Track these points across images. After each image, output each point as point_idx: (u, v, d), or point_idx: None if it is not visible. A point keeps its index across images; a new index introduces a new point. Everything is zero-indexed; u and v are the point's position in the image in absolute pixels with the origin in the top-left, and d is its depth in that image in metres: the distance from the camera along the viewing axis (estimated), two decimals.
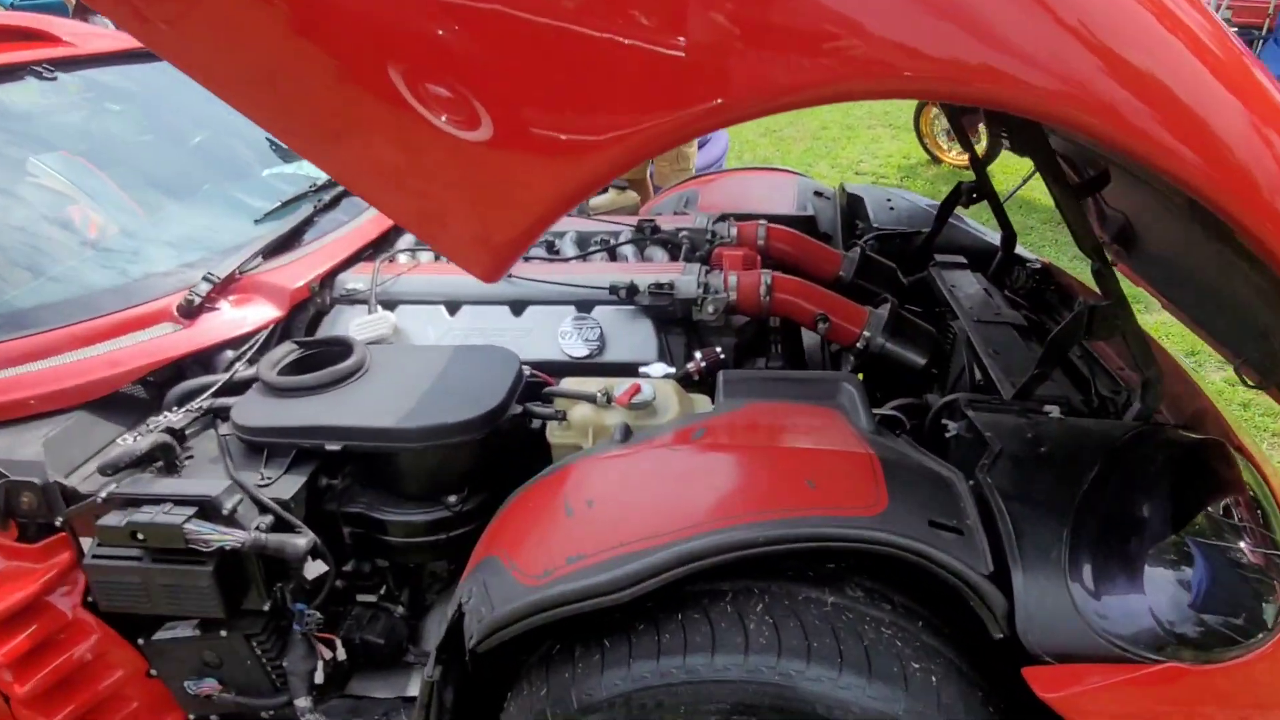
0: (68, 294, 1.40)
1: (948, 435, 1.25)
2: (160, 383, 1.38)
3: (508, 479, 1.22)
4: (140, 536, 1.09)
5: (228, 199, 1.80)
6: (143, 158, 1.84)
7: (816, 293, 1.60)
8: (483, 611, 1.01)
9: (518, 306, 1.60)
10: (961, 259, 1.95)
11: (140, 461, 1.18)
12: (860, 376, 1.52)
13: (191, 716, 1.30)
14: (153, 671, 1.25)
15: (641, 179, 3.77)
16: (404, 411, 1.24)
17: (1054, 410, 1.27)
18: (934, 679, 0.96)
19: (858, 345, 1.54)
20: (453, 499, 1.27)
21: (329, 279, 1.64)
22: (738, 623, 0.97)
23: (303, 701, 1.20)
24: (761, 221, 1.92)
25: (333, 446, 1.23)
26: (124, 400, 1.34)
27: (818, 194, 2.39)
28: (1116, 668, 0.91)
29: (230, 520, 1.11)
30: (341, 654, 1.25)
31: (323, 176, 1.94)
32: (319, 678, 1.22)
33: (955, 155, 5.70)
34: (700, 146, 4.43)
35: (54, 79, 1.80)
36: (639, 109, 0.79)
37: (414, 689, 1.33)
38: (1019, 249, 1.98)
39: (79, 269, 1.47)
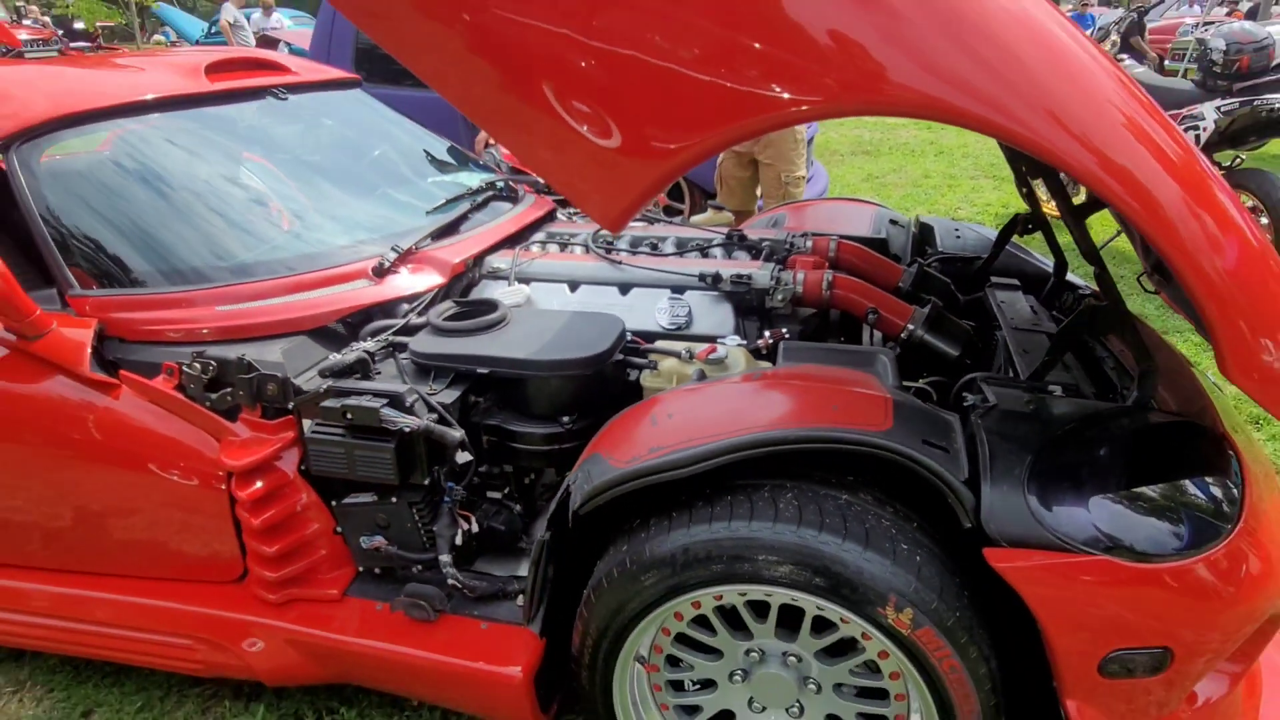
0: (298, 253, 1.89)
1: (965, 404, 1.55)
2: (355, 322, 1.85)
3: (605, 411, 1.60)
4: (349, 416, 1.53)
5: (405, 196, 2.29)
6: (343, 161, 2.36)
7: (870, 290, 1.93)
8: (584, 486, 1.39)
9: (624, 288, 2.00)
10: (1015, 282, 2.22)
11: (347, 370, 1.63)
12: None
13: (360, 567, 1.73)
14: (338, 529, 1.69)
15: (750, 210, 4.12)
16: (535, 350, 1.65)
17: (1057, 389, 1.55)
18: (917, 558, 1.27)
19: (901, 336, 1.86)
20: (566, 419, 1.66)
21: (479, 259, 2.09)
22: (771, 503, 1.31)
23: (445, 557, 1.61)
24: (834, 236, 2.26)
25: (482, 370, 1.65)
26: (330, 332, 1.80)
27: (893, 222, 2.70)
28: (1056, 554, 1.20)
29: (409, 411, 1.54)
30: (475, 527, 1.65)
31: (473, 184, 2.42)
32: (458, 540, 1.62)
33: (1049, 205, 5.82)
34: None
35: (285, 100, 2.36)
36: (705, 126, 1.17)
37: (524, 570, 1.71)
38: (1071, 277, 2.23)
39: (305, 237, 1.97)
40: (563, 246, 2.24)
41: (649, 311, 1.92)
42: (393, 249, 1.93)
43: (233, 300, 1.75)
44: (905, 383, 1.70)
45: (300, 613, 1.69)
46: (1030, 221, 2.24)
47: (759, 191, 4.12)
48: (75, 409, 1.67)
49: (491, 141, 3.30)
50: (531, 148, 1.22)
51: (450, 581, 1.62)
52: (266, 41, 10.54)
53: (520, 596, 1.64)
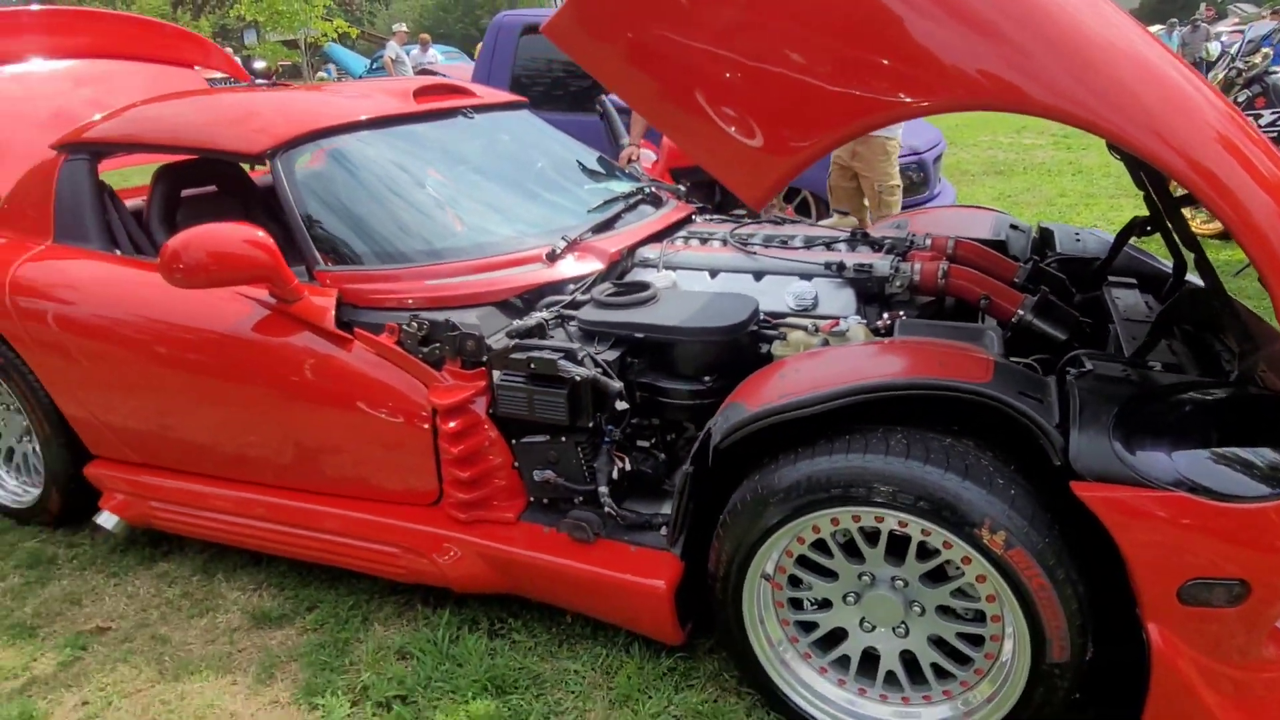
0: (485, 241, 2.29)
1: (1069, 378, 1.73)
2: (531, 298, 2.22)
3: (740, 375, 1.88)
4: (532, 365, 1.90)
5: (568, 198, 2.67)
6: (519, 168, 2.77)
7: (984, 279, 2.13)
8: (724, 425, 1.68)
9: (758, 275, 2.29)
10: (1133, 281, 2.34)
11: (528, 332, 2.00)
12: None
13: (530, 497, 2.08)
14: (516, 464, 2.05)
15: (860, 217, 4.37)
16: (682, 319, 1.96)
17: (1157, 366, 1.72)
18: (1011, 491, 1.49)
19: (1012, 320, 2.05)
20: (708, 379, 1.96)
21: (632, 250, 2.44)
22: (883, 440, 1.56)
23: (603, 489, 1.94)
24: (952, 236, 2.46)
25: (638, 335, 1.98)
26: (510, 305, 2.19)
27: (1013, 226, 2.86)
28: (1135, 489, 1.39)
29: (579, 364, 1.89)
30: (628, 466, 1.97)
31: (622, 190, 2.77)
32: (615, 476, 1.95)
33: (1200, 224, 5.65)
34: (928, 202, 4.97)
35: (472, 119, 2.81)
36: (827, 127, 1.45)
37: (665, 508, 2.01)
38: (1190, 277, 2.34)
39: (491, 228, 2.38)
40: (703, 241, 2.55)
41: (779, 295, 2.20)
42: (562, 239, 2.30)
43: (436, 276, 2.16)
44: (1013, 358, 1.90)
45: (485, 531, 2.05)
46: (1149, 223, 2.36)
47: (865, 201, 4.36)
48: (316, 358, 2.11)
49: (634, 157, 3.69)
50: (694, 144, 1.53)
51: (606, 510, 1.95)
52: (426, 74, 11.51)
53: (664, 528, 1.94)
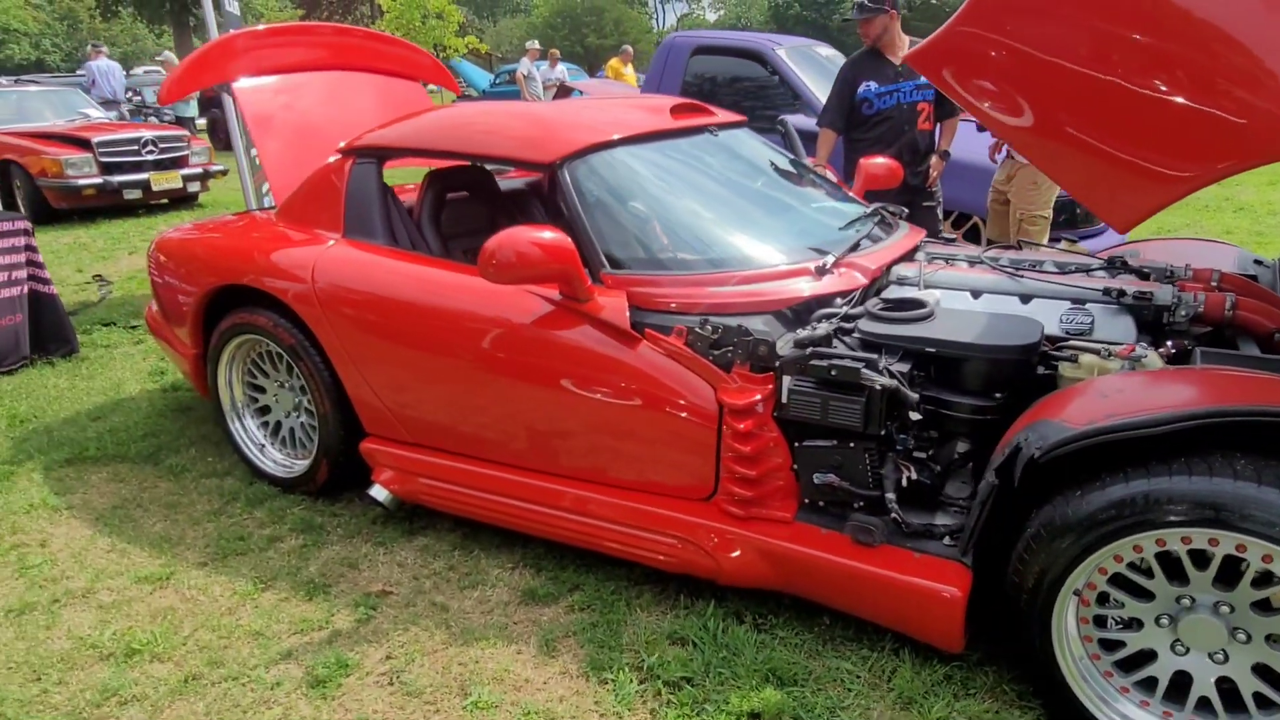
0: (759, 252, 2.41)
1: None
2: (798, 310, 2.32)
3: (1024, 394, 1.92)
4: (833, 373, 1.99)
5: (815, 215, 2.77)
6: (764, 184, 2.89)
7: (1275, 313, 2.11)
8: (1037, 442, 1.73)
9: (1025, 298, 2.33)
10: None
11: (821, 341, 2.10)
12: None
13: (805, 499, 2.17)
14: (795, 466, 2.15)
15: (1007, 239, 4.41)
16: (973, 337, 2.02)
17: None
18: None
19: None
20: (997, 395, 2.01)
21: (888, 267, 2.51)
22: (1227, 464, 1.58)
23: (890, 495, 2.01)
24: (1215, 269, 2.44)
25: (929, 350, 2.05)
26: (781, 314, 2.29)
27: (1257, 262, 2.81)
28: None
29: (880, 374, 1.97)
30: (914, 474, 2.04)
31: (847, 207, 2.85)
32: (903, 483, 2.02)
33: None
34: (1100, 235, 4.89)
35: (716, 136, 2.95)
36: (1213, 159, 1.50)
37: (939, 519, 2.07)
38: None
39: (758, 241, 2.50)
40: (948, 261, 2.61)
41: (1050, 318, 2.23)
42: (831, 255, 2.40)
43: (718, 284, 2.29)
44: None
45: (762, 528, 2.15)
46: None
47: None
48: (602, 355, 2.26)
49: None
50: (1061, 169, 1.61)
51: (892, 516, 2.02)
52: (563, 90, 11.92)
53: (946, 536, 2.00)
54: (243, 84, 3.46)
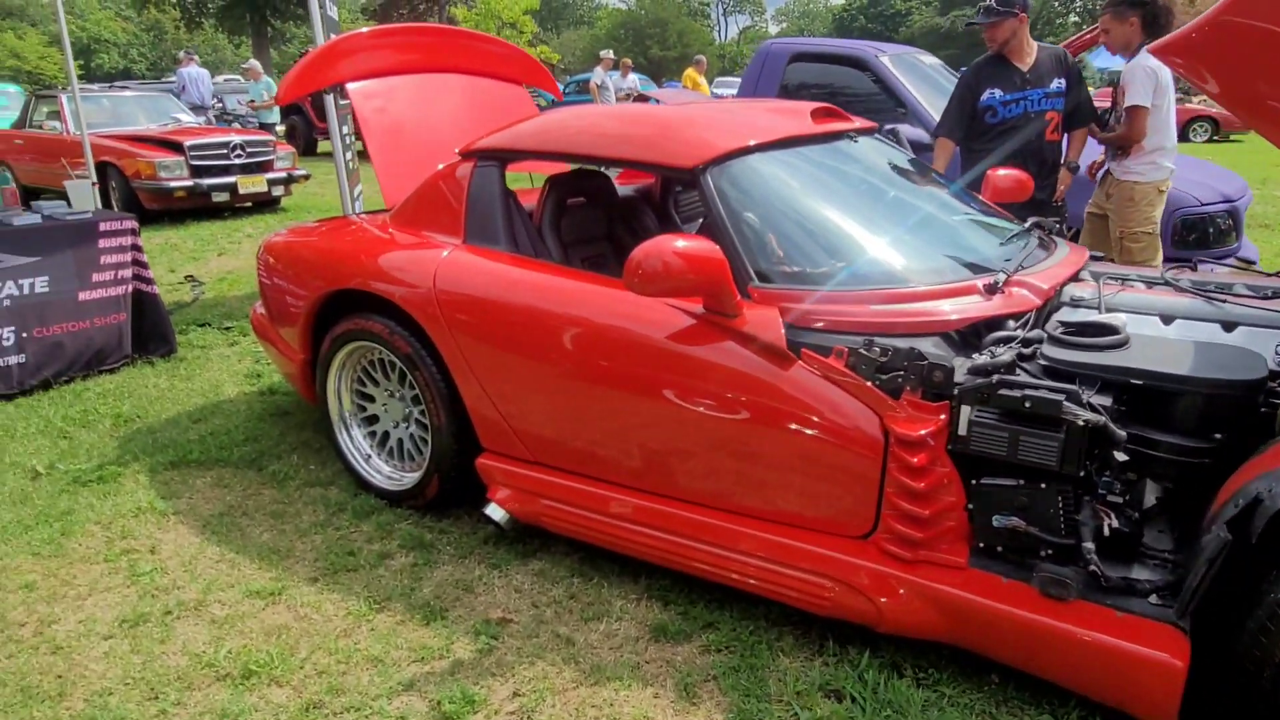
0: (923, 268, 2.21)
1: None
2: (964, 332, 2.11)
3: (1244, 436, 1.68)
4: (1027, 405, 1.78)
5: (968, 228, 2.56)
6: (911, 193, 2.69)
7: None
8: None
9: (1229, 325, 2.08)
10: None
11: (1006, 368, 1.88)
12: None
13: (980, 543, 1.95)
14: (970, 505, 1.93)
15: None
16: (1188, 369, 1.79)
17: None
18: None
19: None
20: (1217, 435, 1.77)
21: (1060, 288, 2.28)
22: None
23: (1089, 544, 1.78)
24: None
25: (1136, 381, 1.82)
26: (948, 337, 2.08)
27: None
28: None
29: (1084, 407, 1.75)
30: (1115, 522, 1.81)
31: (989, 219, 2.62)
32: (1104, 532, 1.79)
33: None
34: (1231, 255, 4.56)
35: (856, 142, 2.75)
36: None
37: (1140, 574, 1.83)
38: None
39: (917, 255, 2.30)
40: (1122, 282, 2.37)
41: (1265, 350, 1.98)
42: (1001, 272, 2.18)
43: (882, 302, 2.09)
44: None
45: (932, 573, 1.94)
46: None
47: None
48: (750, 374, 2.08)
49: None
50: None
51: (1091, 568, 1.79)
52: (639, 99, 11.85)
53: (1153, 595, 1.77)
54: (355, 86, 3.39)
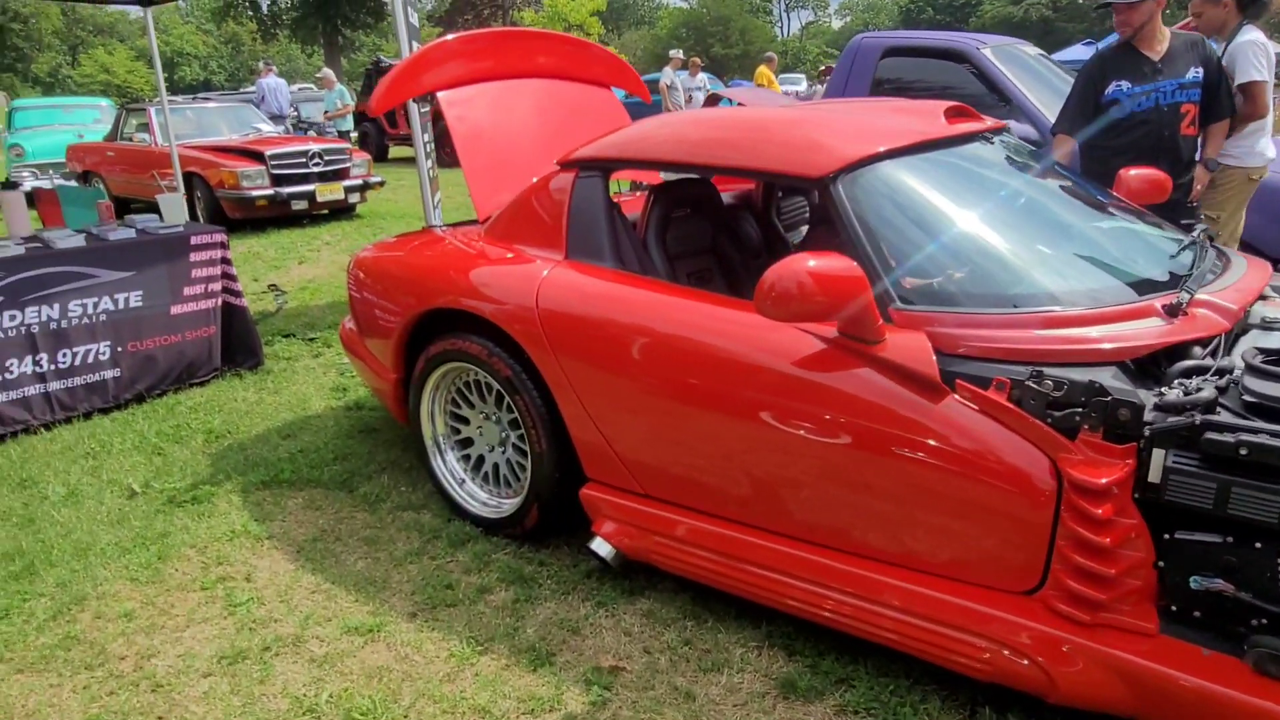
0: (1088, 286, 1.95)
1: None
2: (1142, 361, 1.85)
3: None
4: (1243, 452, 1.52)
5: (1130, 240, 2.28)
6: (1059, 199, 2.43)
7: None
8: None
9: None
10: None
11: (1205, 406, 1.62)
12: None
13: (1174, 608, 1.69)
14: (1160, 563, 1.68)
15: None
16: None
17: None
18: None
19: None
20: None
21: (1248, 308, 2.00)
22: None
23: None
24: None
25: None
26: (1124, 367, 1.82)
27: None
28: None
29: None
30: None
31: (1170, 236, 2.33)
32: None
33: None
34: None
35: (991, 143, 2.50)
36: None
37: None
38: None
39: (1079, 271, 2.04)
40: None
41: None
42: (1184, 290, 1.91)
43: (1047, 326, 1.85)
44: None
45: (1115, 639, 1.70)
46: None
47: None
48: (893, 407, 1.87)
49: None
50: None
51: None
52: (712, 99, 11.63)
53: None
54: (445, 94, 3.28)
